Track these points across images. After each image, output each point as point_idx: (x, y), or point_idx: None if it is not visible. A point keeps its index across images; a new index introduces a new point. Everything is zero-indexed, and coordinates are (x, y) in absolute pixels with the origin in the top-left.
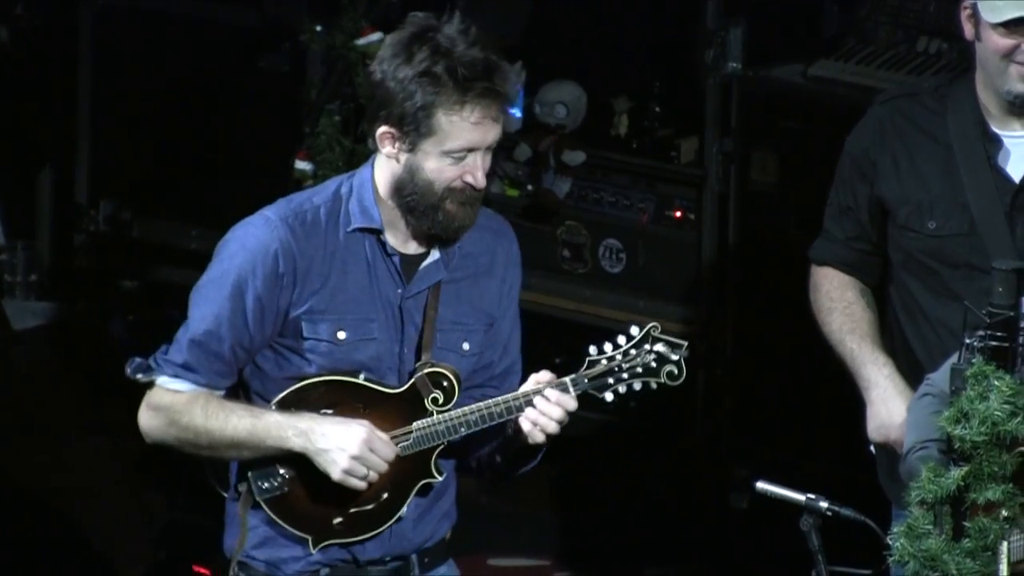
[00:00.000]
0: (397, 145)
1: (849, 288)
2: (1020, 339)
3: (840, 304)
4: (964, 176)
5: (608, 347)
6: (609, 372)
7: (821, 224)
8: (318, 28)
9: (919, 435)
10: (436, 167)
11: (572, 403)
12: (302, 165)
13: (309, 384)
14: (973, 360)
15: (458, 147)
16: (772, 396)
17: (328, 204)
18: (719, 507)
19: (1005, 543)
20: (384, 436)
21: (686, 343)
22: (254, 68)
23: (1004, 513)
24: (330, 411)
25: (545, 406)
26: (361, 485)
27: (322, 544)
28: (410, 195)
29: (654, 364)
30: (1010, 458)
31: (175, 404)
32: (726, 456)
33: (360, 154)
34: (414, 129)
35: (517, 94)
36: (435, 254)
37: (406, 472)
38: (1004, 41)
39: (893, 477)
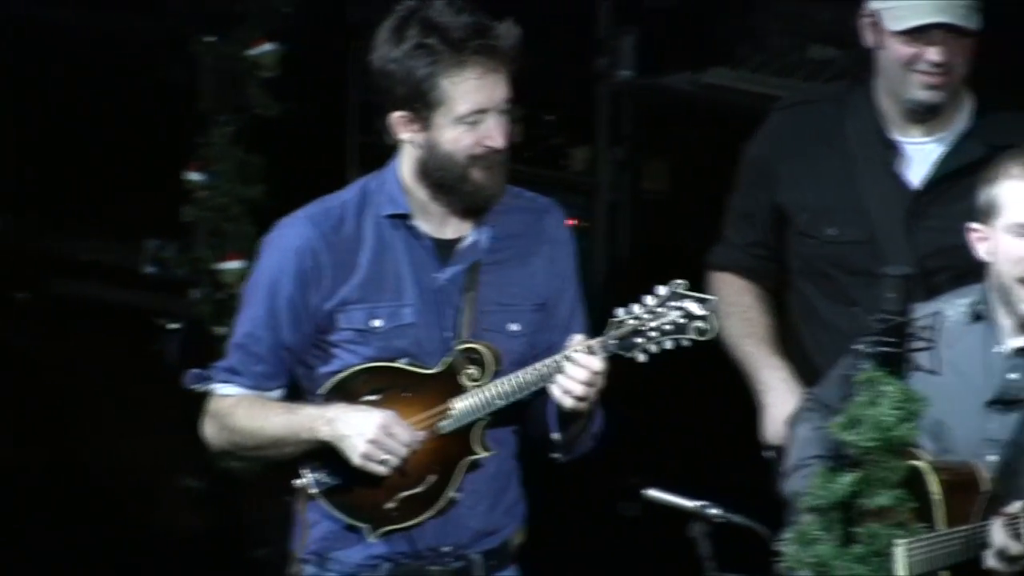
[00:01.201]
0: (411, 127)
1: (746, 293)
2: (910, 345)
3: (737, 309)
4: (863, 183)
5: (635, 307)
6: (636, 332)
7: (714, 231)
8: (211, 39)
9: (802, 453)
10: (453, 137)
11: (597, 364)
12: (195, 176)
13: (350, 374)
14: (864, 366)
15: (469, 110)
16: (664, 403)
17: (356, 199)
18: (609, 515)
19: (903, 550)
20: (404, 423)
21: (714, 297)
22: (147, 78)
23: (896, 518)
24: (374, 397)
25: (571, 369)
26: (381, 470)
27: (380, 531)
28: (436, 172)
29: (682, 320)
30: (900, 464)
31: (224, 409)
32: (616, 464)
33: (253, 165)
34: (423, 104)
35: (516, 49)
36: (472, 235)
37: (450, 451)
38: (906, 49)
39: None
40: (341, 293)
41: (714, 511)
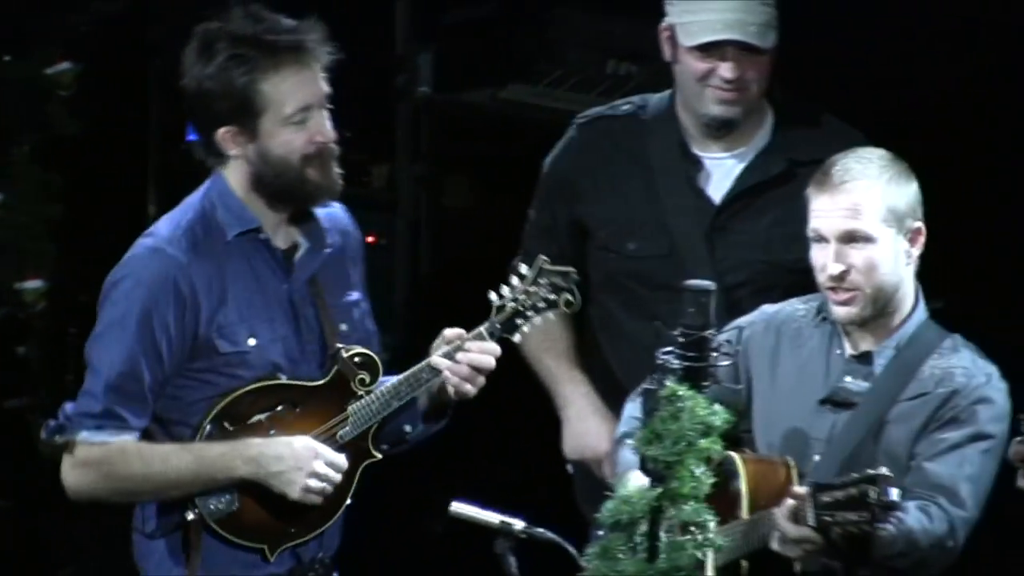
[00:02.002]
0: (239, 140)
1: None
2: (711, 359)
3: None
4: (664, 198)
5: (507, 290)
6: (516, 313)
7: (515, 246)
8: (7, 58)
9: (626, 427)
10: (284, 140)
11: (496, 347)
12: None
13: (234, 398)
14: (666, 380)
15: (295, 108)
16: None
17: (201, 220)
18: (414, 530)
19: (711, 559)
20: (327, 450)
21: (572, 269)
22: None
23: (699, 533)
24: (263, 416)
25: (474, 358)
26: (318, 500)
27: (278, 551)
28: (273, 181)
29: (552, 296)
30: (702, 478)
31: (104, 457)
32: (422, 480)
33: (52, 184)
34: (248, 114)
35: (325, 43)
36: (304, 243)
37: (349, 458)
38: (700, 65)
39: (590, 497)
40: (217, 317)
41: (518, 526)
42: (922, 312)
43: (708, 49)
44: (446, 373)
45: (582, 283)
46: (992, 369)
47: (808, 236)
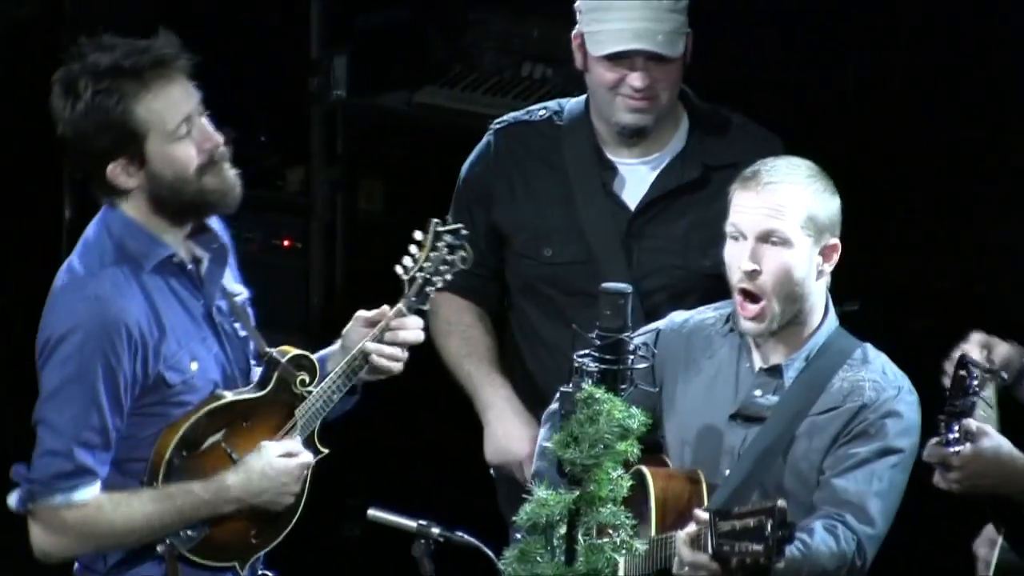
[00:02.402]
0: (130, 170)
1: (467, 312)
2: (628, 361)
3: (458, 328)
4: (580, 204)
5: (409, 261)
6: (426, 282)
7: None
8: None
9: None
10: (174, 156)
11: (420, 322)
12: None
13: (190, 426)
14: (583, 383)
15: (176, 122)
16: (386, 423)
17: (118, 258)
18: (333, 535)
19: (621, 564)
20: (297, 460)
21: (460, 224)
22: None
23: (617, 535)
24: (217, 437)
25: (403, 336)
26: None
27: (248, 564)
28: (174, 201)
29: (450, 256)
30: (620, 481)
31: (85, 519)
32: (340, 484)
33: None
34: (130, 142)
35: (183, 50)
36: (206, 255)
37: None
38: (610, 74)
39: (512, 501)
40: (161, 349)
41: (436, 530)
42: (832, 323)
43: (617, 59)
44: (375, 358)
45: (503, 290)
46: (903, 382)
47: (725, 231)
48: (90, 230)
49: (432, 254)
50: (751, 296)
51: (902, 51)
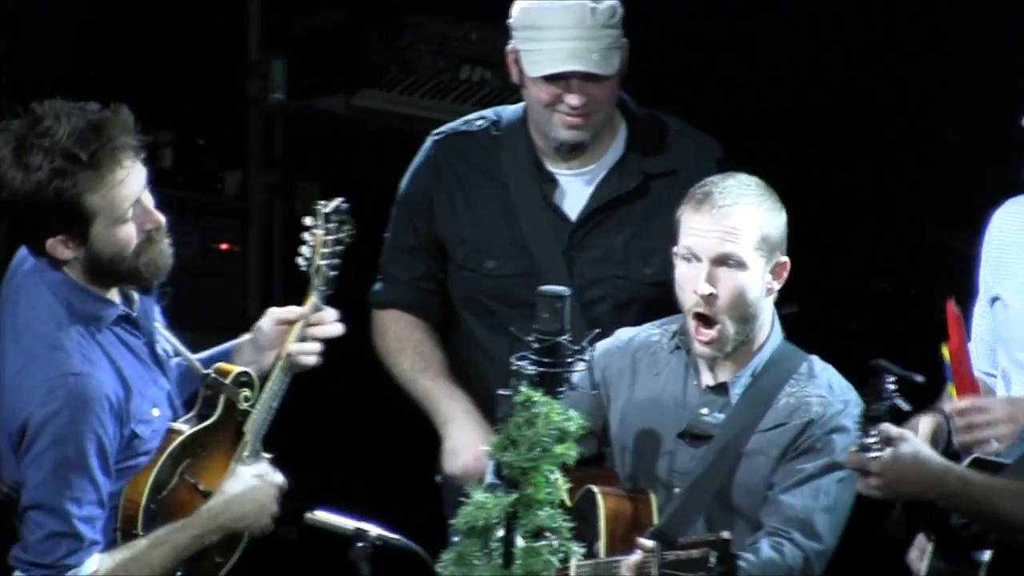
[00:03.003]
0: (70, 244)
1: (416, 328)
2: (567, 364)
3: (410, 344)
4: (521, 216)
5: (307, 250)
6: (329, 267)
7: (367, 252)
8: None
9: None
10: (116, 239)
11: (336, 313)
12: None
13: (158, 472)
14: (520, 386)
15: (124, 209)
16: (322, 427)
17: (71, 319)
18: (269, 539)
19: (574, 564)
20: (271, 479)
21: (340, 198)
22: None
23: (554, 538)
24: (181, 473)
25: (323, 331)
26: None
27: None
28: (109, 274)
29: (340, 234)
30: (557, 484)
31: None
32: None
33: None
34: (77, 223)
35: (136, 130)
36: (135, 293)
37: None
38: (545, 94)
39: (456, 507)
40: (130, 408)
41: (373, 533)
42: (777, 338)
43: (553, 79)
44: (301, 357)
45: (447, 302)
46: (849, 395)
47: (677, 254)
48: (28, 287)
49: (326, 237)
50: (707, 320)
51: (841, 55)
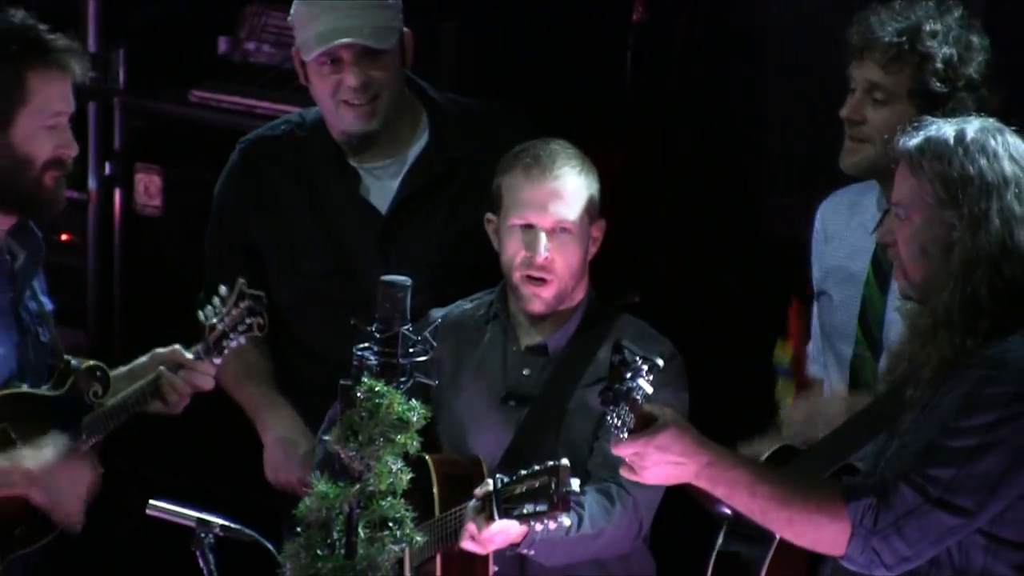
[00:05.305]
0: None
1: None
2: (408, 354)
3: (235, 352)
4: (331, 213)
5: (211, 311)
6: (223, 334)
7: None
8: None
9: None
10: (34, 138)
11: (213, 369)
12: None
13: None
14: (362, 377)
15: (54, 110)
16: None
17: None
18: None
19: (408, 558)
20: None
21: (263, 293)
22: None
23: (397, 529)
24: (5, 423)
25: (194, 378)
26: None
27: (4, 559)
28: (13, 184)
29: (248, 319)
30: (399, 473)
31: None
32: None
33: None
34: (5, 100)
35: (87, 62)
36: (21, 253)
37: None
38: (326, 82)
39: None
40: None
41: (216, 524)
42: (591, 296)
43: (330, 63)
44: (165, 385)
45: (269, 308)
46: (664, 346)
47: (509, 223)
48: None
49: (233, 311)
50: (542, 282)
51: (678, 43)
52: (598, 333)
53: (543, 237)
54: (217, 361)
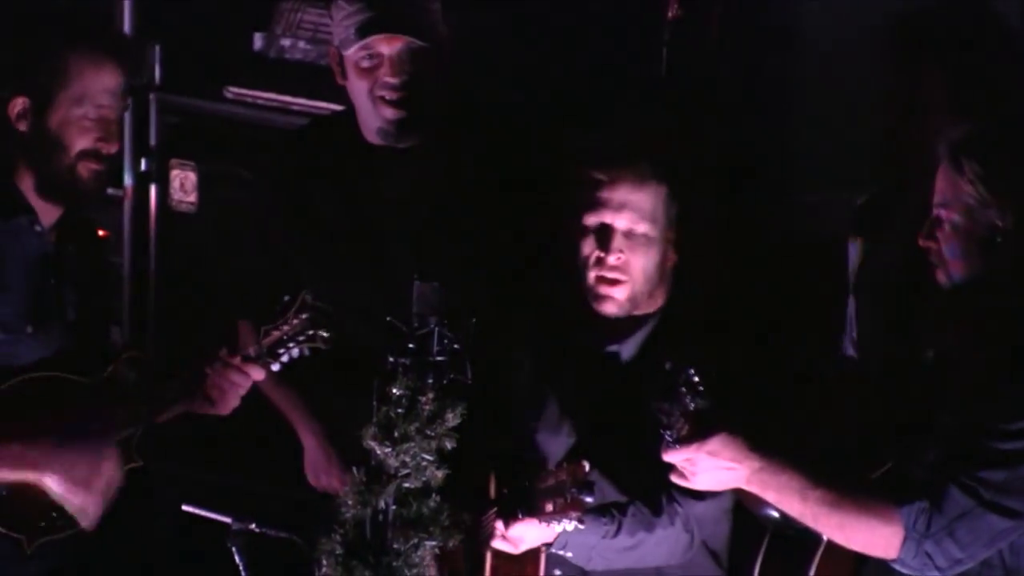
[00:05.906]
0: (27, 115)
1: None
2: (444, 354)
3: None
4: (367, 212)
5: (273, 319)
6: (279, 341)
7: (241, 244)
8: None
9: None
10: (71, 124)
11: (258, 373)
12: None
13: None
14: (400, 376)
15: (96, 93)
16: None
17: None
18: (148, 528)
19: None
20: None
21: (330, 308)
22: None
23: (434, 528)
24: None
25: (233, 376)
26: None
27: (35, 544)
28: (49, 167)
29: (311, 332)
30: (437, 473)
31: None
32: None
33: None
34: (50, 81)
35: (135, 64)
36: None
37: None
38: (364, 78)
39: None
40: None
41: (252, 524)
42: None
43: (369, 58)
44: (210, 391)
45: None
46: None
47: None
48: None
49: (293, 320)
50: (613, 281)
51: (712, 40)
52: (668, 344)
53: (617, 237)
54: (274, 367)
